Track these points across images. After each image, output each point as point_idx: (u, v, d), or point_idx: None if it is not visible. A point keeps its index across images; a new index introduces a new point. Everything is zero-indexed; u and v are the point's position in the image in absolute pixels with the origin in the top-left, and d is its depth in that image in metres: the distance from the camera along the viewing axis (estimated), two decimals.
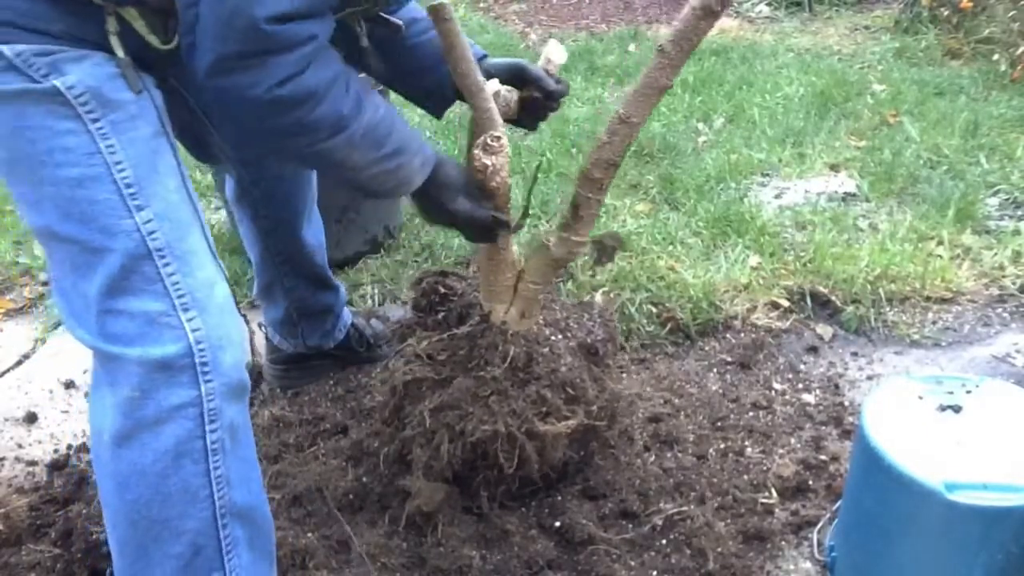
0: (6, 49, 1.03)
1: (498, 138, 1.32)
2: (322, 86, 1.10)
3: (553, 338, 1.51)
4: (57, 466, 1.80)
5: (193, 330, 1.10)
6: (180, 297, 1.10)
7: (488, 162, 1.32)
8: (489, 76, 1.39)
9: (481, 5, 5.95)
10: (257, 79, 1.05)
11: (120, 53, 1.10)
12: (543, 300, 1.54)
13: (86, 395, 2.06)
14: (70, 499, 1.67)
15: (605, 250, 1.41)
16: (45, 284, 2.60)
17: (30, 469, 1.81)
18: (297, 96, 1.08)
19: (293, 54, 1.06)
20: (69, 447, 1.87)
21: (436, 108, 1.54)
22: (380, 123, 1.20)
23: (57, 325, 2.37)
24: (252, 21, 1.01)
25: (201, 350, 1.10)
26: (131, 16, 1.11)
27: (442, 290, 1.57)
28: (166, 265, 1.10)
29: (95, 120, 1.07)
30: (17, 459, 1.85)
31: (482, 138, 1.32)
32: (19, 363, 2.22)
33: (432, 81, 1.47)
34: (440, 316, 1.54)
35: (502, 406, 1.42)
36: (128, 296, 1.09)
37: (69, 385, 2.10)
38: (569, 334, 1.54)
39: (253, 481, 1.23)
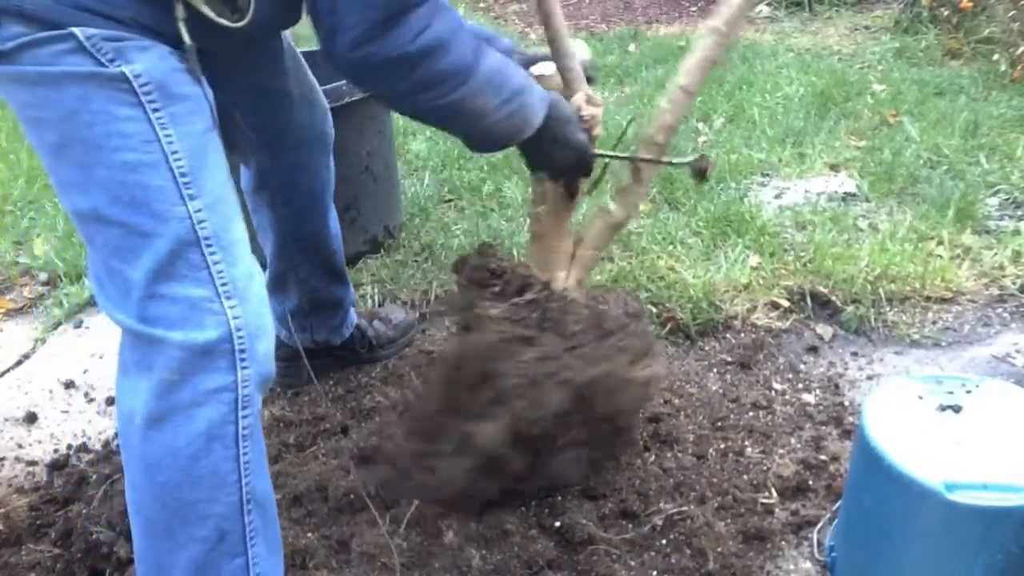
0: (78, 31, 1.05)
1: (594, 95, 1.44)
2: (446, 34, 1.16)
3: (603, 307, 1.56)
4: (57, 466, 1.80)
5: (234, 317, 1.12)
6: (223, 285, 1.12)
7: (592, 112, 1.42)
8: (535, 61, 1.50)
9: (481, 5, 5.96)
10: (395, 40, 1.12)
11: (188, 40, 1.12)
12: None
13: (86, 395, 2.07)
14: (70, 499, 1.67)
15: (699, 172, 1.48)
16: (45, 284, 2.61)
17: (30, 469, 1.81)
18: (427, 48, 1.15)
19: (425, 6, 1.13)
20: (69, 447, 1.87)
21: None
22: (497, 68, 1.26)
23: (57, 325, 2.37)
24: None
25: (240, 337, 1.12)
26: (197, 1, 1.12)
27: (492, 265, 1.58)
28: (212, 254, 1.12)
29: (156, 110, 1.09)
30: (17, 459, 1.85)
31: (581, 93, 1.42)
32: (19, 363, 2.22)
33: None
34: (497, 289, 1.55)
35: (594, 354, 1.46)
36: (172, 282, 1.10)
37: (69, 385, 2.10)
38: (610, 307, 1.59)
39: (267, 471, 1.25)
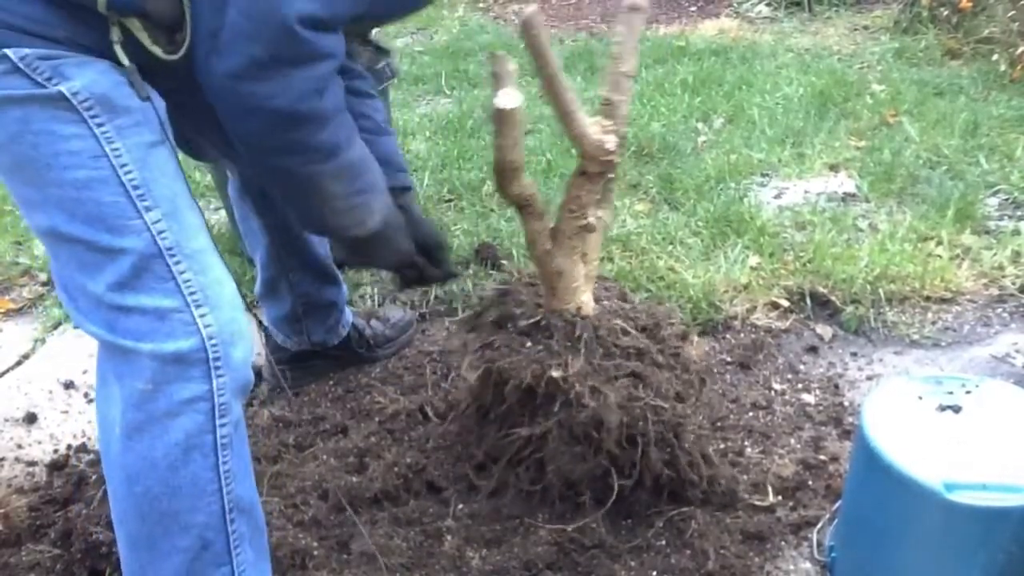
0: (11, 53, 1.04)
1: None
2: (330, 109, 1.14)
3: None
4: (57, 466, 1.80)
5: (206, 326, 1.11)
6: (192, 294, 1.11)
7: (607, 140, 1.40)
8: None
9: (481, 5, 5.95)
10: (281, 90, 1.09)
11: (125, 62, 1.11)
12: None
13: (86, 395, 2.06)
14: (70, 499, 1.67)
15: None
16: (45, 284, 2.60)
17: (30, 469, 1.81)
18: (311, 115, 1.13)
19: (316, 69, 1.10)
20: (69, 447, 1.87)
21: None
22: (362, 158, 1.26)
23: (57, 325, 2.36)
24: (285, 20, 1.04)
25: (214, 346, 1.12)
26: (135, 27, 1.11)
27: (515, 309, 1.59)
28: (177, 263, 1.11)
29: (100, 125, 1.08)
30: (17, 459, 1.85)
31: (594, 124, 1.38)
32: (19, 363, 2.22)
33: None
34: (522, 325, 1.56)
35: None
36: (139, 293, 1.10)
37: (69, 385, 2.10)
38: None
39: (252, 477, 1.24)
